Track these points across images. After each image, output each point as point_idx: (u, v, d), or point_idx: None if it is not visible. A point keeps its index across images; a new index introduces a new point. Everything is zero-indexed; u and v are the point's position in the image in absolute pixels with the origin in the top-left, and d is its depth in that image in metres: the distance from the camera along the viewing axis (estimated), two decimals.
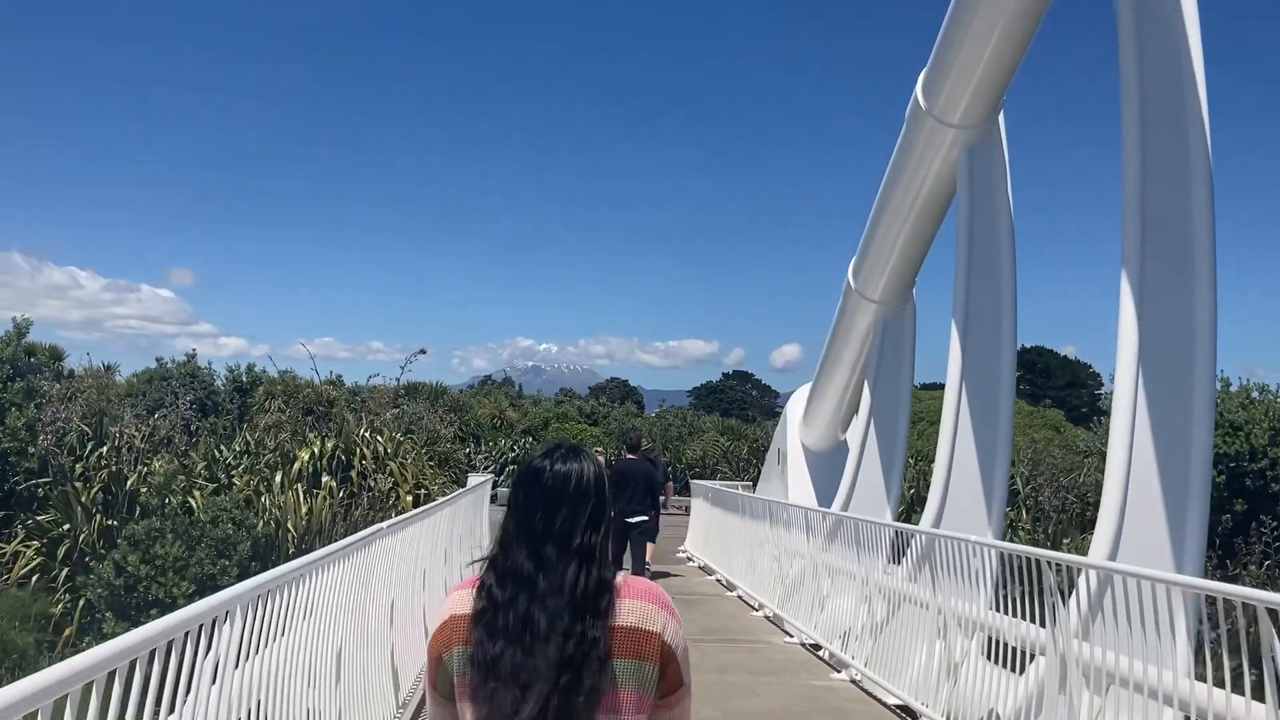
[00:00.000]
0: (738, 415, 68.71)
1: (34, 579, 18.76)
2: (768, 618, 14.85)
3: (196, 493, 21.22)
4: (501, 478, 39.78)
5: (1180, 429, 9.06)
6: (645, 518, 16.27)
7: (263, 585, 4.33)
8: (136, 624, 13.42)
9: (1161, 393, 9.14)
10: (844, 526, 12.89)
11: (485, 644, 2.41)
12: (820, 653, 12.26)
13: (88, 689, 2.75)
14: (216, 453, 25.36)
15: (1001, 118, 13.19)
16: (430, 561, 11.16)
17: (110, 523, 19.54)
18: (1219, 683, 5.82)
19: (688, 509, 25.96)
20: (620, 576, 2.55)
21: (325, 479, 22.37)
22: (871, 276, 16.50)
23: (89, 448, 21.68)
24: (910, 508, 25.35)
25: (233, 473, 23.89)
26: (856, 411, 18.70)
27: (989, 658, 8.64)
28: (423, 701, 8.99)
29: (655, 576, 16.33)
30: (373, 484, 22.81)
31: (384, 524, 7.68)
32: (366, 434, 24.48)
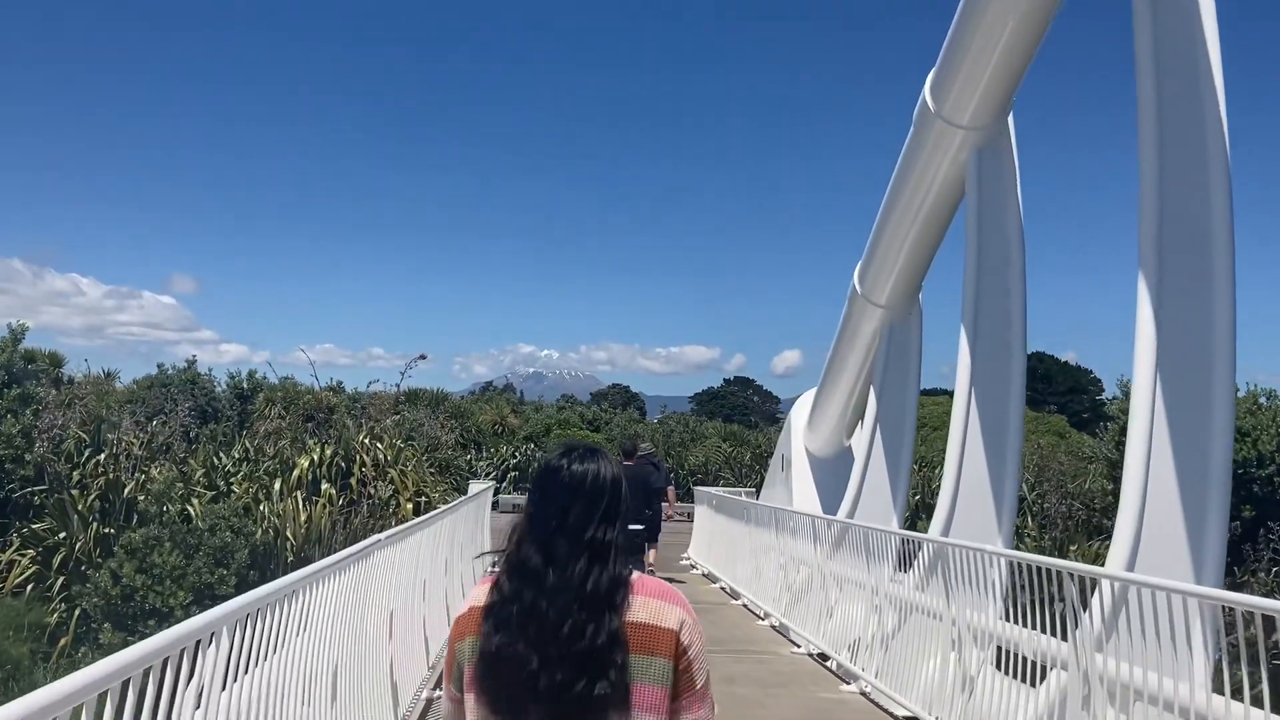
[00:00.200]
0: (739, 421, 68.49)
1: (29, 588, 18.47)
2: (774, 627, 14.63)
3: (195, 500, 20.97)
4: (503, 484, 39.60)
5: (1199, 436, 8.84)
6: (641, 526, 16.09)
7: (251, 604, 4.07)
8: (133, 633, 13.15)
9: (1180, 398, 8.92)
10: (851, 534, 12.68)
11: (491, 636, 2.43)
12: (828, 663, 12.03)
13: None
14: (215, 460, 25.13)
15: (1011, 119, 12.99)
16: (430, 571, 10.95)
17: (107, 531, 19.28)
18: (1243, 697, 5.63)
19: (691, 515, 25.72)
20: (635, 575, 2.55)
21: (325, 486, 22.12)
22: (878, 281, 16.28)
23: (86, 455, 21.45)
24: (915, 514, 25.11)
25: (232, 480, 23.66)
26: (862, 418, 18.48)
27: (997, 666, 8.44)
28: (423, 716, 8.78)
29: None
30: (372, 491, 22.56)
31: (382, 535, 7.45)
32: (366, 441, 24.24)
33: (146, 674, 2.94)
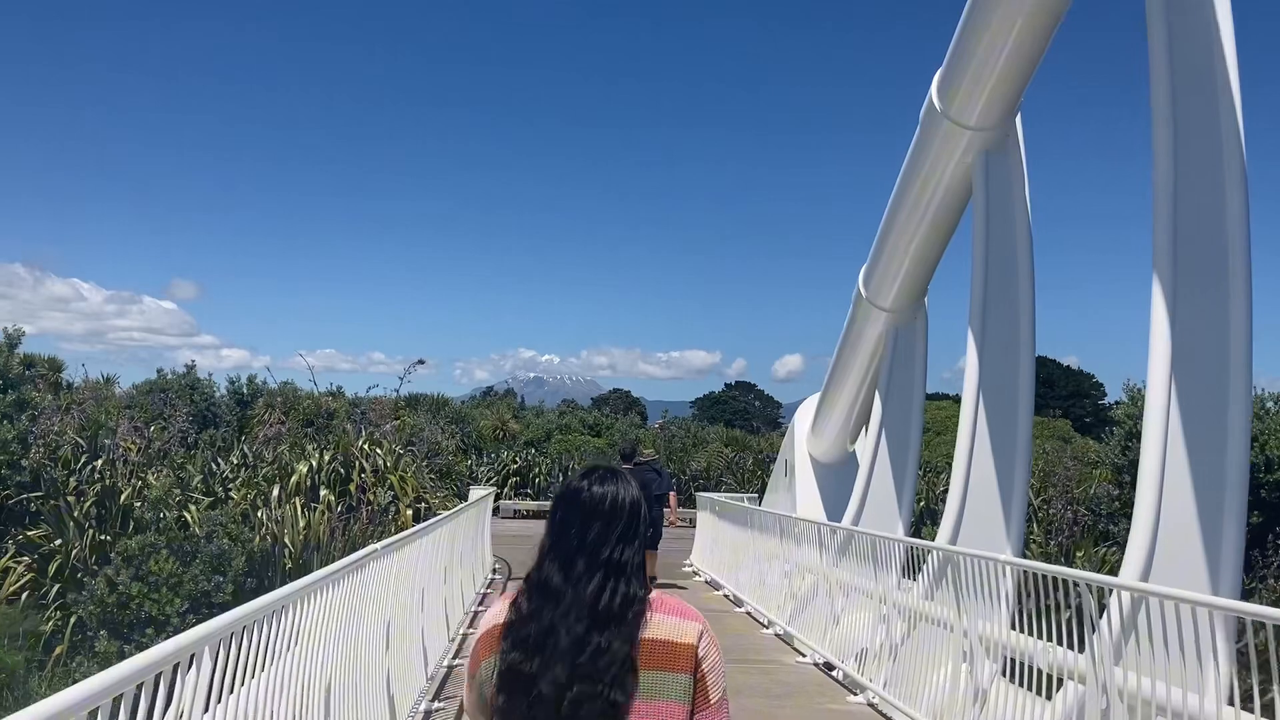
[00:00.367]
0: (741, 426, 68.18)
1: (24, 596, 18.28)
2: (778, 635, 14.42)
3: (192, 507, 20.77)
4: (504, 490, 39.37)
5: (1215, 441, 8.63)
6: None
7: (236, 622, 3.84)
8: (129, 641, 12.90)
9: (1195, 402, 8.72)
10: (857, 541, 12.47)
11: (507, 654, 2.48)
12: (834, 673, 11.83)
13: None
14: (213, 466, 24.95)
15: (1019, 120, 12.80)
16: (429, 580, 10.76)
17: (104, 538, 19.07)
18: (1262, 710, 5.45)
19: (693, 521, 25.51)
20: (655, 593, 2.61)
21: (324, 492, 21.91)
22: (883, 283, 16.07)
23: (83, 461, 21.25)
24: (919, 521, 24.90)
25: (230, 486, 23.47)
26: (866, 423, 18.27)
27: (1005, 675, 8.26)
28: None
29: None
30: (372, 498, 22.34)
31: (377, 545, 7.24)
32: (365, 446, 24.04)
33: (117, 703, 2.73)
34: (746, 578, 17.78)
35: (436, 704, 9.51)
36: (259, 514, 20.50)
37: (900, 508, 15.61)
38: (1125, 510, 22.81)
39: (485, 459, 42.96)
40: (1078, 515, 25.87)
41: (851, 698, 10.67)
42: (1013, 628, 8.42)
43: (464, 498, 25.62)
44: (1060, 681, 7.81)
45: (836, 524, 14.50)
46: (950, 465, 14.00)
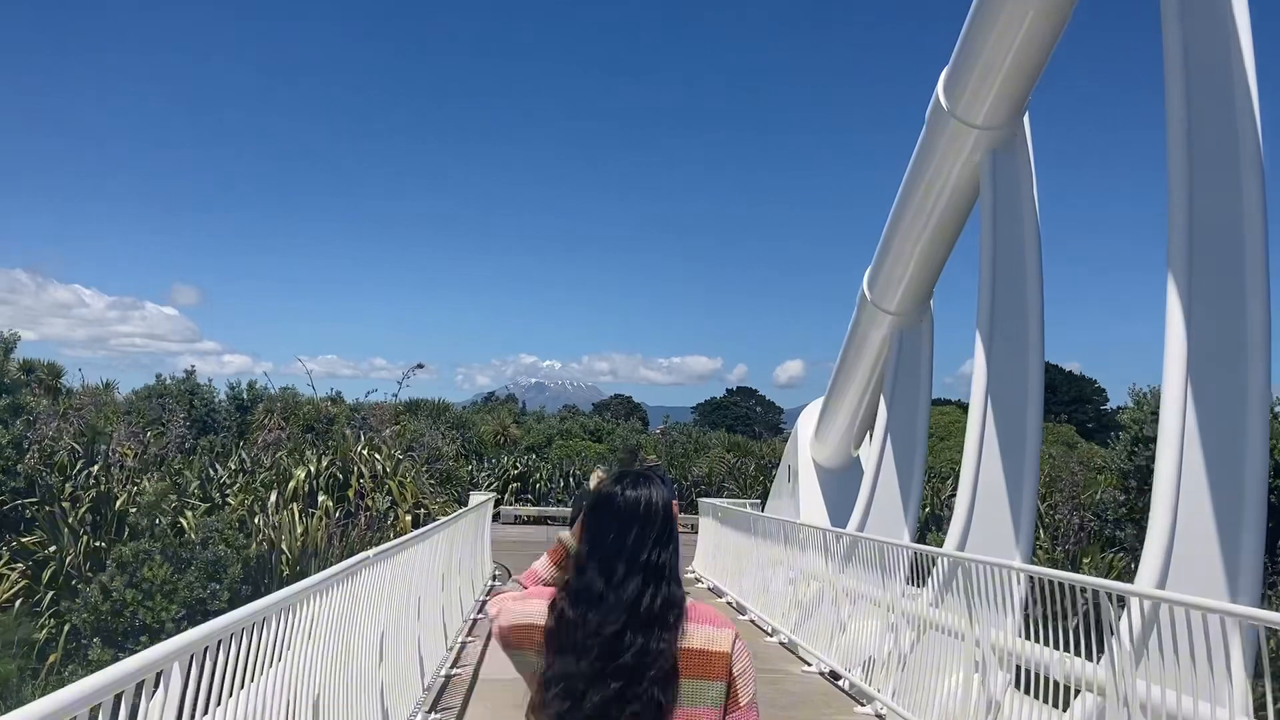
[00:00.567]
0: (742, 431, 67.90)
1: (18, 603, 18.05)
2: (783, 643, 14.17)
3: (189, 513, 20.54)
4: (505, 496, 39.12)
5: (1232, 445, 8.41)
6: None
7: (210, 636, 3.58)
8: (123, 649, 12.65)
9: (1212, 406, 8.49)
10: (862, 548, 12.22)
11: (555, 662, 2.49)
12: (840, 682, 11.57)
13: None
14: (211, 471, 24.71)
15: (1027, 119, 12.58)
16: (426, 588, 10.51)
17: (98, 544, 18.85)
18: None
19: (695, 527, 25.25)
20: (689, 601, 2.64)
21: (321, 498, 21.68)
22: (888, 286, 15.84)
23: (79, 466, 21.02)
24: (924, 527, 24.63)
25: (227, 492, 23.25)
26: (871, 428, 18.04)
27: (1016, 685, 8.02)
28: None
29: None
30: (370, 503, 22.10)
31: (370, 552, 7.00)
32: (364, 451, 23.80)
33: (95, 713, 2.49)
34: (749, 584, 17.52)
35: (433, 715, 9.28)
36: (256, 520, 20.27)
37: (906, 514, 15.38)
38: (1131, 516, 22.53)
39: (486, 464, 42.75)
40: (1084, 521, 25.62)
41: (859, 708, 10.41)
42: (1023, 636, 8.18)
43: (464, 503, 25.36)
44: (1073, 690, 7.57)
45: (841, 530, 14.25)
46: (955, 471, 13.77)
